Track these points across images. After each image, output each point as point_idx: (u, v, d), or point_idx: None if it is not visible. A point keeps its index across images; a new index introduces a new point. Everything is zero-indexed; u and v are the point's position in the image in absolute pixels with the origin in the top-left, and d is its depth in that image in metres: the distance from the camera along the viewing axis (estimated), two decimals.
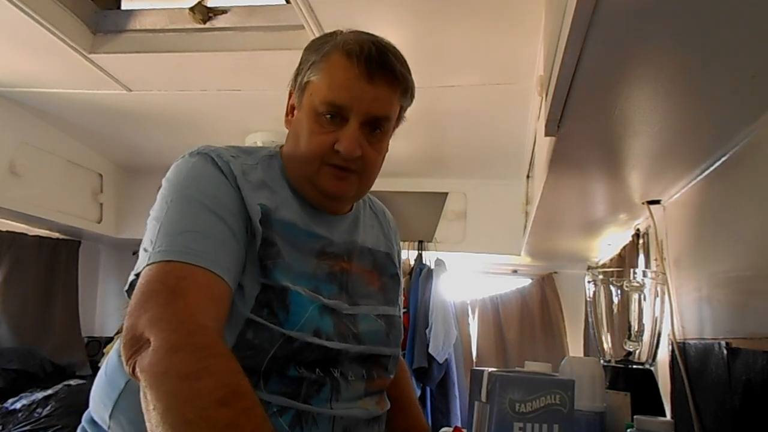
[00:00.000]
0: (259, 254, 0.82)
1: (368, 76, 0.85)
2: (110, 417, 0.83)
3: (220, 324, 0.73)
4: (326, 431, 0.83)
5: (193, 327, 0.67)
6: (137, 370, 0.66)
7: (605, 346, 1.45)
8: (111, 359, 0.90)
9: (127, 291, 0.81)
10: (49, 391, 2.69)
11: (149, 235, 0.78)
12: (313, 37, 1.78)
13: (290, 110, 0.94)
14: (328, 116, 0.86)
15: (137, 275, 0.75)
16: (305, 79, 0.89)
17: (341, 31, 0.91)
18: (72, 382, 2.84)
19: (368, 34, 0.90)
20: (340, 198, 0.92)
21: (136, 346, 0.67)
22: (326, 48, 0.88)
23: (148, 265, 0.74)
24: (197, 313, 0.69)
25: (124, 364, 0.69)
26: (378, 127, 0.89)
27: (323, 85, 0.86)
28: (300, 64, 0.93)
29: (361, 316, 0.91)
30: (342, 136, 0.85)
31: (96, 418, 0.88)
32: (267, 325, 0.79)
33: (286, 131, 0.97)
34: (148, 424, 0.62)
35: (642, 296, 1.40)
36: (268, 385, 0.79)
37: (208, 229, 0.77)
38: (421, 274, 3.09)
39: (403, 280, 1.08)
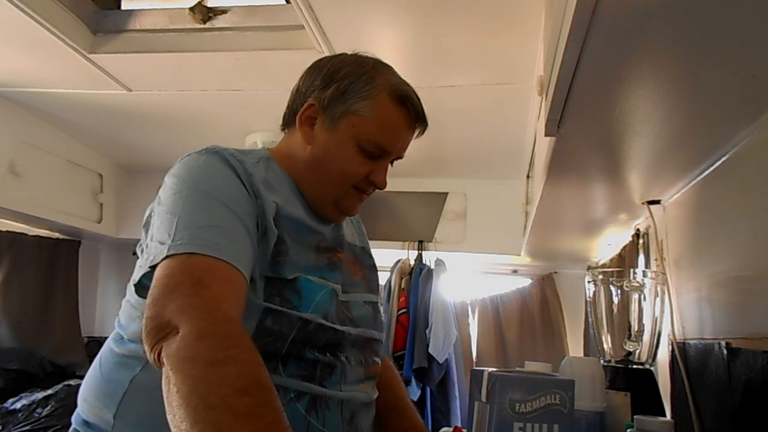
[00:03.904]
0: (272, 251, 0.85)
1: (413, 127, 0.97)
2: (115, 416, 0.83)
3: (241, 315, 0.75)
4: (337, 414, 0.87)
5: (221, 317, 0.69)
6: (162, 355, 0.67)
7: (605, 346, 1.45)
8: (106, 359, 0.90)
9: (136, 284, 0.81)
10: (49, 391, 2.68)
11: (165, 228, 0.78)
12: (312, 37, 1.80)
13: (308, 121, 0.95)
14: (372, 153, 0.94)
15: (152, 267, 0.75)
16: (348, 108, 0.92)
17: (376, 60, 0.96)
18: (72, 382, 2.83)
19: (400, 77, 0.97)
20: (352, 215, 1.02)
21: (162, 333, 0.68)
22: (374, 83, 0.92)
23: (168, 256, 0.74)
24: (222, 303, 0.71)
25: (147, 351, 0.70)
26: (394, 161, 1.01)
27: (373, 125, 0.92)
28: (334, 81, 0.93)
29: (352, 302, 0.96)
30: (378, 170, 0.96)
31: (91, 419, 0.87)
32: (284, 311, 0.82)
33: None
34: (168, 407, 0.63)
35: (642, 296, 1.40)
36: (287, 368, 0.83)
37: (226, 224, 0.79)
38: (421, 274, 3.08)
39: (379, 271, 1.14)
